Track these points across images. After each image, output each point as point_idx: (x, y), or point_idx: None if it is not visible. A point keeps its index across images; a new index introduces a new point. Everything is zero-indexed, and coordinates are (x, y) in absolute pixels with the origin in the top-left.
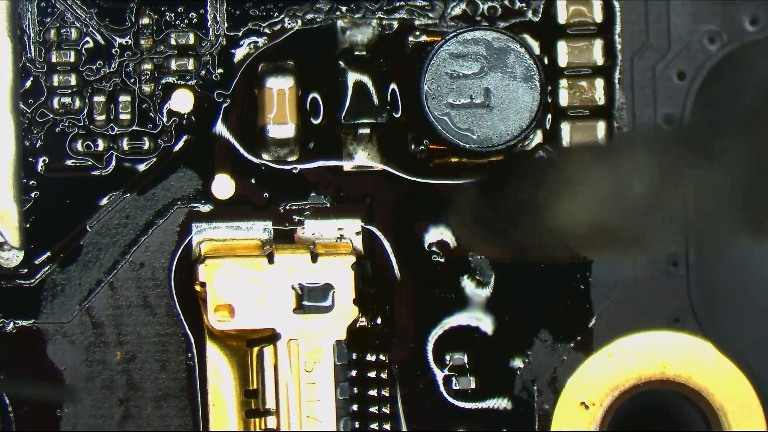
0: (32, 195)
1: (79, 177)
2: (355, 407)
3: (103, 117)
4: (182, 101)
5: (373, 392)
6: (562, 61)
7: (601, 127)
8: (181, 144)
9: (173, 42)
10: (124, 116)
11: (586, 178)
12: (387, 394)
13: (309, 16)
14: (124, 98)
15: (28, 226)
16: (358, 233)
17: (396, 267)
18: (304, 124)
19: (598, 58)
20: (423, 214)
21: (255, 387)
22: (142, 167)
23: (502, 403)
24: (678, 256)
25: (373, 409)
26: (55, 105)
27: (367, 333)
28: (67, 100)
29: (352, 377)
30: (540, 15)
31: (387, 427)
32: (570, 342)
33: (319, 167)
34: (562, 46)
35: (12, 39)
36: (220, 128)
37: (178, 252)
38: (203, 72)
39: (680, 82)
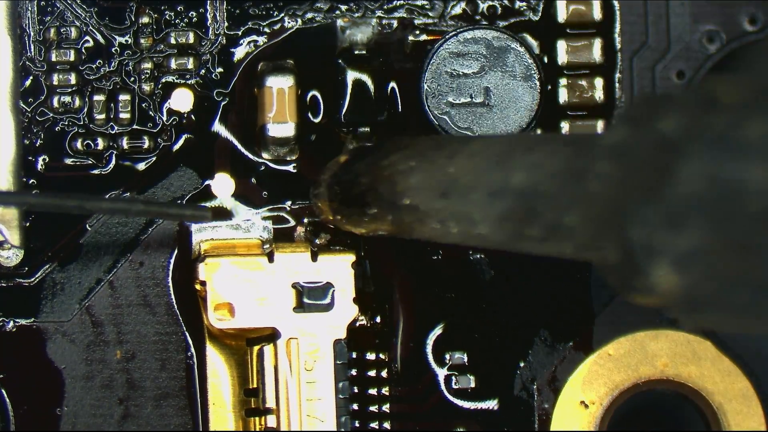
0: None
1: (79, 176)
2: (355, 406)
3: (102, 116)
4: (182, 100)
5: (373, 391)
6: (562, 60)
7: (600, 126)
8: (181, 143)
9: (173, 41)
10: (124, 115)
11: None
12: (387, 393)
13: (309, 15)
14: (124, 97)
15: (27, 224)
16: None
17: (395, 266)
18: (303, 123)
19: (598, 57)
20: None
21: (255, 386)
22: (141, 166)
23: (501, 403)
24: None
25: (373, 408)
26: (55, 104)
27: (366, 332)
28: (66, 99)
29: (352, 376)
30: (540, 14)
31: (387, 426)
32: (570, 341)
33: (319, 166)
34: (561, 46)
35: (12, 38)
36: (220, 127)
37: (178, 251)
38: (203, 71)
39: (679, 81)
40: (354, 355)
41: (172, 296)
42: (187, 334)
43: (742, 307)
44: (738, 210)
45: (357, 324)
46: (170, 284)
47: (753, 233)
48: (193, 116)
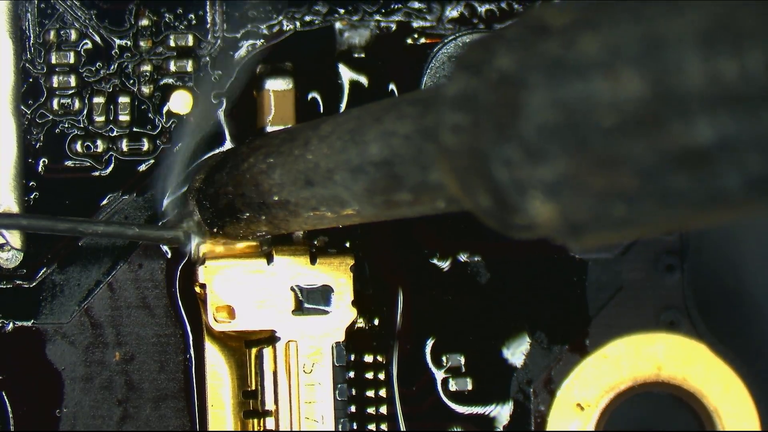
0: (32, 196)
1: (79, 178)
2: (353, 408)
3: (102, 118)
4: (181, 102)
5: (371, 393)
6: None
7: None
8: (180, 145)
9: (172, 43)
10: (124, 117)
11: None
12: (384, 395)
13: (307, 18)
14: (124, 99)
15: None
16: None
17: (393, 268)
18: None
19: None
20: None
21: (254, 388)
22: (141, 168)
23: (498, 404)
24: (673, 258)
25: (371, 410)
26: (55, 106)
27: (364, 334)
28: (66, 101)
29: (350, 378)
30: None
31: (384, 427)
32: (565, 343)
33: None
34: None
35: (12, 40)
36: (219, 130)
37: (177, 253)
38: (202, 73)
39: None
40: (352, 358)
41: (172, 298)
42: (186, 335)
43: (621, 219)
44: (591, 127)
45: (355, 326)
46: (169, 286)
47: (611, 145)
48: (191, 119)
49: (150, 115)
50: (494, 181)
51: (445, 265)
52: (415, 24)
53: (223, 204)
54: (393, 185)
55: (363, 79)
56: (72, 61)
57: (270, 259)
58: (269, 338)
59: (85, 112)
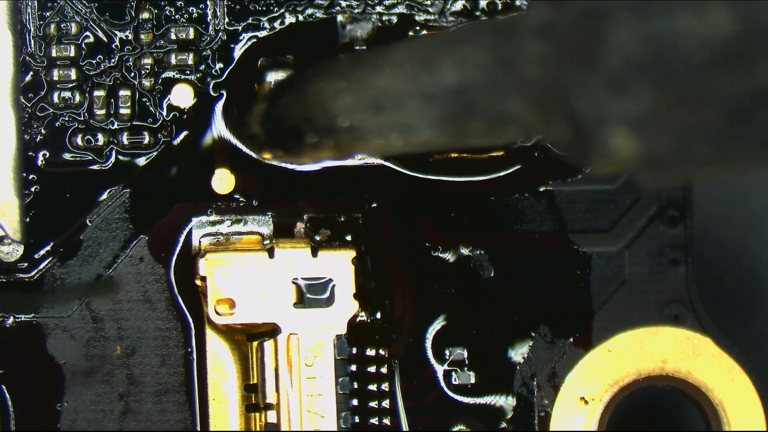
0: (32, 189)
1: (79, 171)
2: (355, 402)
3: (103, 111)
4: (182, 96)
5: (373, 387)
6: None
7: None
8: (181, 138)
9: (173, 37)
10: (124, 111)
11: None
12: (387, 389)
13: (309, 11)
14: (124, 93)
15: (28, 220)
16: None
17: (395, 262)
18: None
19: None
20: (422, 208)
21: (255, 381)
22: (142, 161)
23: (501, 398)
24: (678, 252)
25: (373, 404)
26: (55, 99)
27: (366, 328)
28: (67, 94)
29: (352, 372)
30: None
31: (387, 422)
32: (569, 337)
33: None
34: None
35: (13, 33)
36: (220, 123)
37: (178, 246)
38: (203, 66)
39: None
40: (354, 351)
41: (172, 292)
42: (187, 329)
43: (703, 157)
44: (677, 63)
45: (357, 320)
46: (170, 280)
47: (697, 82)
48: (193, 112)
49: (151, 108)
50: (575, 114)
51: (448, 258)
52: (418, 17)
53: (288, 127)
54: (467, 114)
55: None
56: (72, 54)
57: (271, 253)
58: (271, 331)
59: (85, 105)
